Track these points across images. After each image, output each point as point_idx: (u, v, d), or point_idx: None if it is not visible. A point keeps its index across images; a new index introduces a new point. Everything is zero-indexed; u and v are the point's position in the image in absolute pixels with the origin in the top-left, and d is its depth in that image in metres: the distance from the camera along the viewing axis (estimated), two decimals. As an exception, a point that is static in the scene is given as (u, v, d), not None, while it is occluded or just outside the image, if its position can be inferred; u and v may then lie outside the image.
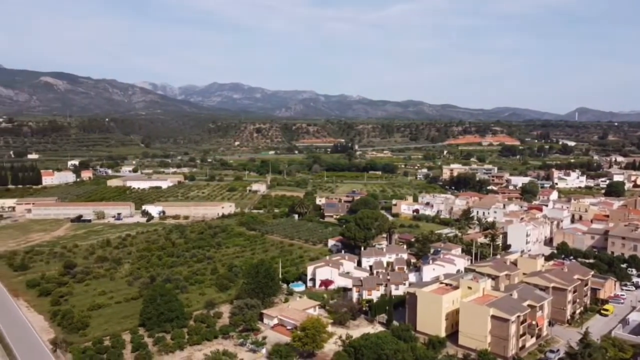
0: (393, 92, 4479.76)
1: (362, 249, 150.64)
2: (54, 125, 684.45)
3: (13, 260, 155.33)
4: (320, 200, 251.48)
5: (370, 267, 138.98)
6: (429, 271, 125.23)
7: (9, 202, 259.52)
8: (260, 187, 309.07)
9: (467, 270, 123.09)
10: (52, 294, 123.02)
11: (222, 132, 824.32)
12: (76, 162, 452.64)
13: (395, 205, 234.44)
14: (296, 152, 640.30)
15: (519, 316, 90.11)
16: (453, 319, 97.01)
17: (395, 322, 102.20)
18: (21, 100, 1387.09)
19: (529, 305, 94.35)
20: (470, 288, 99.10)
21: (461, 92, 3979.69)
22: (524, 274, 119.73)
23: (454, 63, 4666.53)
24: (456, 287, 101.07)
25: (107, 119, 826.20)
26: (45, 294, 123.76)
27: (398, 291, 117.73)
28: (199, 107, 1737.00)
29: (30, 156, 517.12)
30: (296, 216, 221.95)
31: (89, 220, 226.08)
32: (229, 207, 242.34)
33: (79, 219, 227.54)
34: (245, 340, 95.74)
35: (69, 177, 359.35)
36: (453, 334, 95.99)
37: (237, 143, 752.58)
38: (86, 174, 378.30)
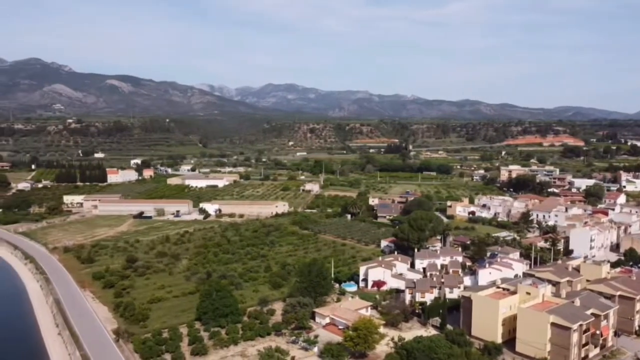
0: (449, 92, 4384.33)
1: (416, 250, 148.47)
2: (118, 126, 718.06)
3: (80, 253, 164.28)
4: (373, 201, 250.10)
5: (424, 269, 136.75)
6: (485, 275, 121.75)
7: (78, 198, 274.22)
8: (314, 187, 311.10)
9: (525, 275, 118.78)
10: (116, 286, 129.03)
11: (276, 132, 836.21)
12: (138, 161, 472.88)
13: (450, 206, 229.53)
14: (349, 152, 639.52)
15: (581, 325, 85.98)
16: (510, 325, 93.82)
17: (449, 326, 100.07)
18: (89, 102, 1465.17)
19: (592, 314, 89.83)
20: (528, 293, 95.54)
21: (521, 91, 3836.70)
22: (587, 280, 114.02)
23: (513, 61, 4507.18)
24: (514, 292, 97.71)
25: (167, 120, 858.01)
26: (109, 286, 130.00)
27: (452, 294, 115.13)
28: (255, 107, 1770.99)
29: (96, 155, 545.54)
30: (349, 216, 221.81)
31: (150, 217, 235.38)
32: (282, 206, 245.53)
33: (140, 215, 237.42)
34: (297, 338, 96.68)
35: (131, 175, 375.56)
36: (510, 341, 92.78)
37: (291, 143, 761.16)
38: (148, 173, 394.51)
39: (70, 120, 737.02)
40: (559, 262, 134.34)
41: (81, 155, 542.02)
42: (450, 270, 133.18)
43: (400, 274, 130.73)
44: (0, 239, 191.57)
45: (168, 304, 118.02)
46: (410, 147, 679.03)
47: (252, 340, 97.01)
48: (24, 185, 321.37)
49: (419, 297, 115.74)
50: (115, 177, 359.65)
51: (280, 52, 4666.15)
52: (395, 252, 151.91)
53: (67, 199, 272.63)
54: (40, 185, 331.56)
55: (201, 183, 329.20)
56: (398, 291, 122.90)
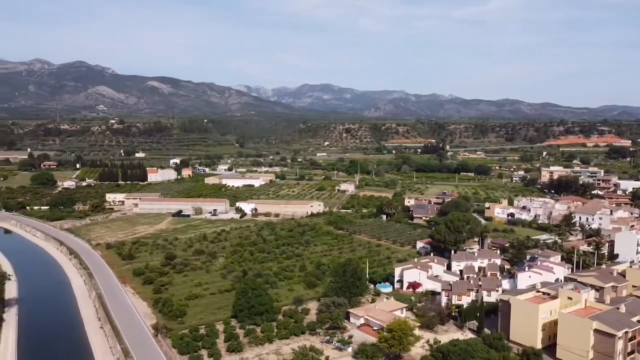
0: (487, 91, 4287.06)
1: (452, 252, 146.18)
2: (158, 126, 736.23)
3: (122, 250, 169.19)
4: (409, 201, 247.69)
5: (461, 271, 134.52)
6: (525, 278, 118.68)
7: (119, 196, 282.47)
8: (349, 187, 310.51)
9: (567, 279, 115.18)
10: (155, 282, 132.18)
11: (312, 132, 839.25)
12: (177, 160, 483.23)
13: (488, 208, 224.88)
14: (385, 152, 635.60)
15: (627, 332, 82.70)
16: (550, 331, 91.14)
17: (486, 330, 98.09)
18: (130, 103, 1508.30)
19: (638, 321, 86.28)
20: (570, 298, 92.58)
21: (563, 90, 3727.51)
22: (633, 286, 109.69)
23: (554, 59, 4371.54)
24: (554, 297, 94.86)
25: (205, 120, 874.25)
26: (149, 282, 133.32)
27: (490, 298, 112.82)
28: (291, 108, 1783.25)
29: (137, 155, 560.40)
30: (384, 217, 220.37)
31: (188, 215, 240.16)
32: (317, 206, 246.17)
33: (179, 213, 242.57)
34: (331, 338, 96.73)
35: (171, 174, 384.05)
36: (550, 347, 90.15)
37: (326, 143, 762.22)
38: (186, 172, 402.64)
39: (112, 121, 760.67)
40: (603, 266, 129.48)
41: (123, 154, 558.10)
42: (488, 273, 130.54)
43: (436, 276, 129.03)
44: (47, 235, 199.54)
45: (205, 300, 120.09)
46: (448, 147, 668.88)
47: (287, 339, 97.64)
48: (69, 184, 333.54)
49: (455, 300, 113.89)
50: (155, 176, 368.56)
51: (316, 52, 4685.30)
52: (431, 254, 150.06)
53: (109, 197, 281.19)
54: (84, 184, 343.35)
55: (238, 182, 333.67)
56: (434, 293, 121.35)
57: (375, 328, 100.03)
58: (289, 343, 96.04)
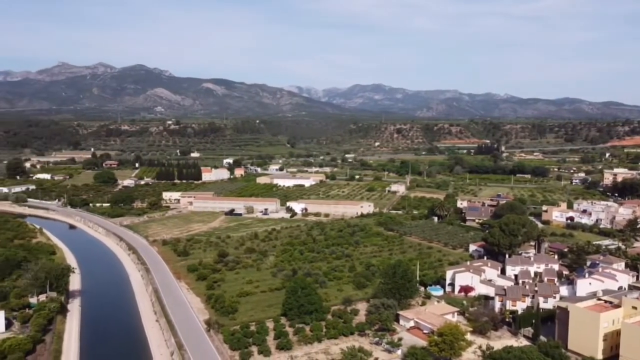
0: (546, 90, 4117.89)
1: (507, 256, 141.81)
2: (212, 127, 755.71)
3: (177, 246, 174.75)
4: (461, 203, 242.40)
5: (516, 276, 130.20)
6: (585, 285, 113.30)
7: (175, 195, 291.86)
8: (400, 188, 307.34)
9: (631, 287, 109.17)
10: (208, 279, 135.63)
11: (362, 132, 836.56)
12: (230, 160, 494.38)
13: (545, 211, 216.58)
14: (437, 153, 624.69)
15: (698, 346, 77.40)
16: (612, 341, 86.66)
17: (542, 338, 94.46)
18: (186, 105, 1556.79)
19: None
20: (635, 308, 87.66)
21: (628, 88, 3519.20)
22: None
23: (618, 55, 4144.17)
24: (617, 306, 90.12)
25: (257, 121, 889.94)
26: (202, 278, 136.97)
27: (547, 304, 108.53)
28: (341, 108, 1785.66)
29: (192, 154, 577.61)
30: (436, 218, 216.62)
31: (240, 214, 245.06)
32: (367, 207, 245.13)
33: (231, 212, 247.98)
34: (380, 340, 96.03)
35: (224, 174, 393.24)
36: (612, 358, 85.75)
37: (377, 144, 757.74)
38: (239, 172, 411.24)
39: (169, 122, 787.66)
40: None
41: (179, 154, 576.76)
42: (545, 279, 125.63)
43: (490, 280, 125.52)
44: (108, 231, 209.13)
45: (255, 298, 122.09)
46: (503, 148, 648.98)
47: (336, 339, 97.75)
48: (128, 182, 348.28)
49: (509, 306, 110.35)
50: (209, 175, 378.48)
51: (368, 52, 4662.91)
52: (485, 257, 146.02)
53: (165, 195, 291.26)
54: (142, 182, 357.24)
55: (288, 182, 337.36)
56: (487, 298, 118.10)
57: (425, 331, 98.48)
58: (338, 343, 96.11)
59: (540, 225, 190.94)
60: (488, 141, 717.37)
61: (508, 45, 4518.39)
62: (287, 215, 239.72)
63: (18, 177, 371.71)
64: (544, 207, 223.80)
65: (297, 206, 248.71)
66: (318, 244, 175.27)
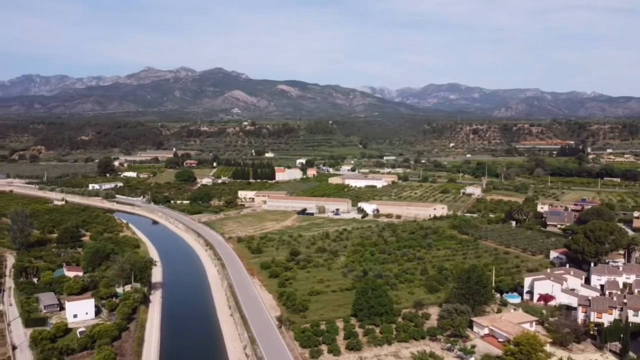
0: (639, 87, 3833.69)
1: (592, 265, 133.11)
2: (286, 128, 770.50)
3: (251, 244, 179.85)
4: (542, 207, 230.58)
5: (602, 286, 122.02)
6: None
7: (250, 194, 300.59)
8: (475, 190, 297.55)
9: None
10: (280, 276, 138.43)
11: (436, 133, 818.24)
12: (303, 160, 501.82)
13: (637, 218, 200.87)
14: (516, 154, 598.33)
15: None
16: None
17: (631, 354, 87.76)
18: (262, 106, 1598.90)
19: None
20: None
21: None
22: None
23: None
24: None
25: (330, 122, 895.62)
26: (275, 276, 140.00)
27: (637, 318, 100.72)
28: (415, 108, 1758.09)
29: (266, 155, 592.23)
30: (513, 223, 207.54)
31: (312, 214, 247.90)
32: (441, 209, 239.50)
33: (303, 211, 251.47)
34: (453, 346, 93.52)
35: (296, 174, 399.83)
36: None
37: (451, 144, 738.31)
38: (311, 172, 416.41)
39: (245, 123, 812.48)
40: None
41: (254, 154, 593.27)
42: (635, 290, 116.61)
43: (572, 290, 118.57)
44: (187, 227, 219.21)
45: (326, 297, 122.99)
46: (589, 149, 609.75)
47: (406, 342, 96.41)
48: (207, 181, 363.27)
49: (594, 317, 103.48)
50: (282, 175, 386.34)
51: (443, 51, 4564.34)
52: (567, 265, 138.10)
53: (241, 194, 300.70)
54: (219, 181, 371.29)
55: (360, 183, 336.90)
56: (568, 308, 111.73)
57: (500, 340, 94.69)
58: (408, 347, 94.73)
59: (630, 232, 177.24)
60: (572, 142, 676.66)
61: (595, 40, 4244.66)
62: (359, 216, 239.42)
63: (108, 175, 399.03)
64: (635, 214, 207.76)
65: (369, 207, 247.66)
66: (389, 245, 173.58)
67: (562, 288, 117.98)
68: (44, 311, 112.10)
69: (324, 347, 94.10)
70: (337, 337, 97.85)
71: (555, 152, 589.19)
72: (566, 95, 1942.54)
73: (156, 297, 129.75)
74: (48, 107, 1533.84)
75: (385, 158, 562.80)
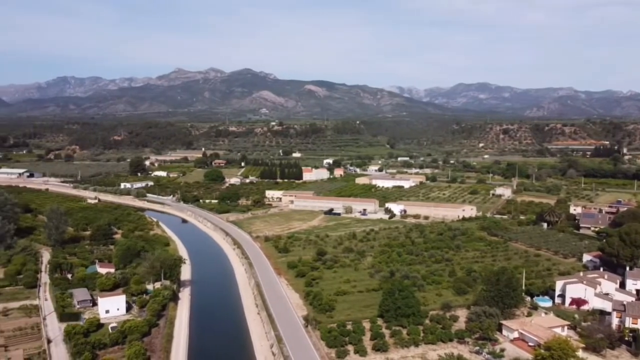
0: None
1: (627, 268, 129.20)
2: (313, 128, 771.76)
3: (278, 243, 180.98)
4: (575, 209, 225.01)
5: (637, 291, 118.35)
6: None
7: (277, 193, 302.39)
8: (505, 192, 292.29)
9: None
10: (306, 276, 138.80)
11: (465, 133, 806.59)
12: (330, 160, 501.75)
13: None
14: (548, 155, 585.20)
15: None
16: None
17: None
18: (289, 107, 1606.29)
19: None
20: None
21: None
22: None
23: None
24: None
25: (357, 122, 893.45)
26: (301, 275, 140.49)
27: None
28: (444, 108, 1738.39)
29: (294, 155, 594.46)
30: (545, 225, 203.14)
31: (339, 214, 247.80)
32: (469, 210, 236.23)
33: (330, 211, 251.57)
34: (481, 349, 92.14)
35: (324, 174, 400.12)
36: None
37: (481, 145, 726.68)
38: (338, 172, 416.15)
39: (273, 123, 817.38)
40: None
41: (281, 154, 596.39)
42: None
43: (607, 294, 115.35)
44: (215, 226, 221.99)
45: (352, 297, 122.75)
46: (625, 150, 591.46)
47: (433, 344, 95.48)
48: (235, 180, 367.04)
49: (629, 323, 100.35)
50: (309, 175, 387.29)
51: (473, 50, 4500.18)
52: (601, 269, 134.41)
53: (268, 193, 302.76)
54: (247, 181, 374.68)
55: (387, 183, 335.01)
56: (602, 313, 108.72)
57: (530, 344, 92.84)
58: (436, 349, 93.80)
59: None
60: (607, 142, 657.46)
61: (632, 37, 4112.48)
62: (386, 217, 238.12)
63: (139, 174, 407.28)
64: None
65: (396, 207, 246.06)
66: (417, 246, 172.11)
67: (595, 292, 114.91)
68: (78, 306, 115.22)
69: (350, 348, 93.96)
70: (363, 338, 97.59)
71: (589, 153, 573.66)
72: (601, 94, 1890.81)
73: (185, 295, 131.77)
74: (82, 107, 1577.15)
75: (413, 158, 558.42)
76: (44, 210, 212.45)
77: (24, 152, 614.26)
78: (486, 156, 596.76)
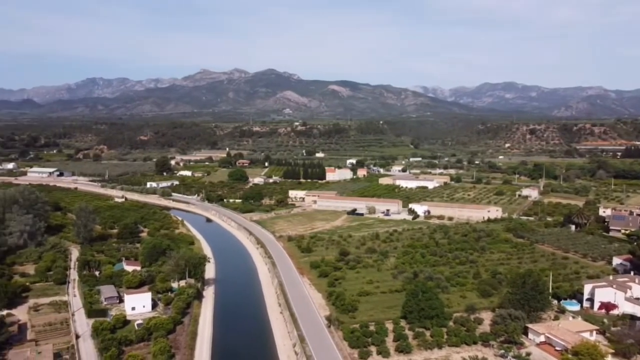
0: None
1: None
2: (337, 128, 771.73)
3: (301, 243, 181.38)
4: (604, 211, 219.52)
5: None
6: None
7: (300, 193, 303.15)
8: (532, 193, 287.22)
9: None
10: (329, 276, 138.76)
11: (491, 133, 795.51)
12: (353, 160, 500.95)
13: None
14: (576, 155, 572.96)
15: None
16: None
17: None
18: (313, 107, 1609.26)
19: None
20: None
21: None
22: None
23: None
24: None
25: (381, 122, 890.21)
26: (324, 275, 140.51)
27: None
28: (469, 108, 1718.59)
29: (317, 155, 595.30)
30: (573, 227, 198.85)
31: (362, 214, 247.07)
32: (495, 212, 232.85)
33: (353, 212, 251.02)
34: (506, 352, 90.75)
35: (347, 174, 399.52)
36: None
37: (507, 145, 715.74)
38: (361, 172, 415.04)
39: (296, 123, 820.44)
40: None
41: (305, 154, 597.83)
42: None
43: (637, 298, 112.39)
44: (239, 225, 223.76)
45: (375, 298, 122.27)
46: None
47: (457, 347, 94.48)
48: (258, 180, 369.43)
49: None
50: (332, 175, 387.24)
51: (498, 49, 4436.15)
52: (632, 273, 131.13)
53: (291, 193, 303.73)
54: (271, 181, 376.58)
55: (411, 184, 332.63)
56: (633, 318, 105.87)
57: (557, 348, 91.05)
58: (459, 351, 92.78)
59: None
60: (639, 143, 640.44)
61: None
62: (409, 217, 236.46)
63: (164, 174, 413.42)
64: None
65: (420, 208, 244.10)
66: (441, 247, 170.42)
67: (625, 296, 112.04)
68: (105, 303, 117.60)
69: (372, 349, 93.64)
70: (386, 339, 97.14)
71: (619, 154, 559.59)
72: (632, 94, 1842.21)
73: (209, 293, 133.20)
74: (110, 108, 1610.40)
75: (437, 159, 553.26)
76: (73, 209, 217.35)
77: (54, 151, 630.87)
78: (512, 157, 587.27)
